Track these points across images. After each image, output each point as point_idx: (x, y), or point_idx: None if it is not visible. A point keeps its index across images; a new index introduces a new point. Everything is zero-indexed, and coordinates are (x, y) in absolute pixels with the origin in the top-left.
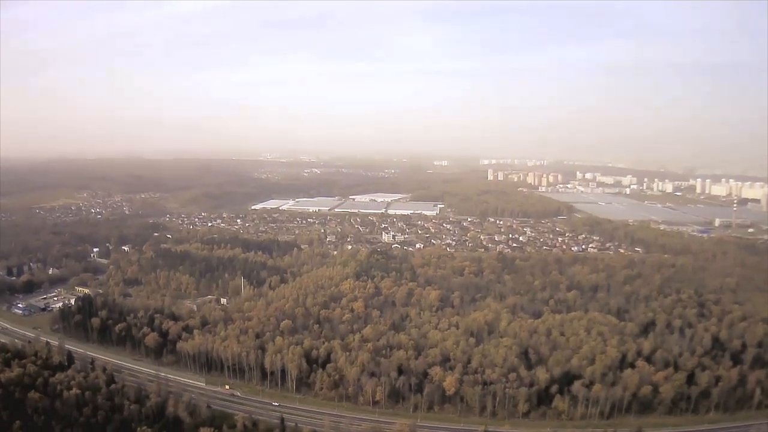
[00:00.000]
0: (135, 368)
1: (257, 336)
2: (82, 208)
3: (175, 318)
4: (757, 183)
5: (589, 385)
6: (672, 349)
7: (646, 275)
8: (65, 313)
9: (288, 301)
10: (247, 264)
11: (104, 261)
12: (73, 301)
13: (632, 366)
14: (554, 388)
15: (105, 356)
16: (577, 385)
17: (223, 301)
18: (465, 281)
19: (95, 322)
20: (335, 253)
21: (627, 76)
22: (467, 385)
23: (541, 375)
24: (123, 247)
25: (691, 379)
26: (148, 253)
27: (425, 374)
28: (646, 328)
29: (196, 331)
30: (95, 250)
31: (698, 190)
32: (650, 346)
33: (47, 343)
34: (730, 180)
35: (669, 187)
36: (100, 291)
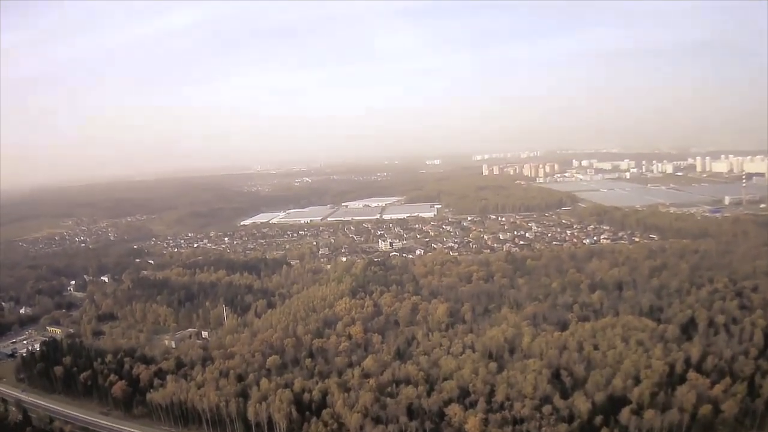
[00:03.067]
0: (101, 424)
1: (240, 378)
2: (66, 238)
3: (147, 361)
4: (758, 156)
5: (639, 411)
6: (723, 353)
7: (672, 265)
8: (27, 360)
9: (276, 331)
10: (231, 288)
11: (81, 294)
12: (38, 346)
13: (683, 379)
14: (598, 419)
15: (69, 410)
16: (625, 413)
17: (205, 334)
18: (474, 289)
19: (58, 370)
20: (329, 267)
21: (615, 62)
22: (494, 425)
23: (581, 404)
24: (102, 278)
25: (751, 388)
26: (126, 283)
27: (441, 415)
28: (687, 329)
29: (169, 377)
30: (72, 282)
31: (699, 169)
32: (698, 352)
33: (3, 400)
34: (730, 156)
35: (669, 168)
36: (71, 331)
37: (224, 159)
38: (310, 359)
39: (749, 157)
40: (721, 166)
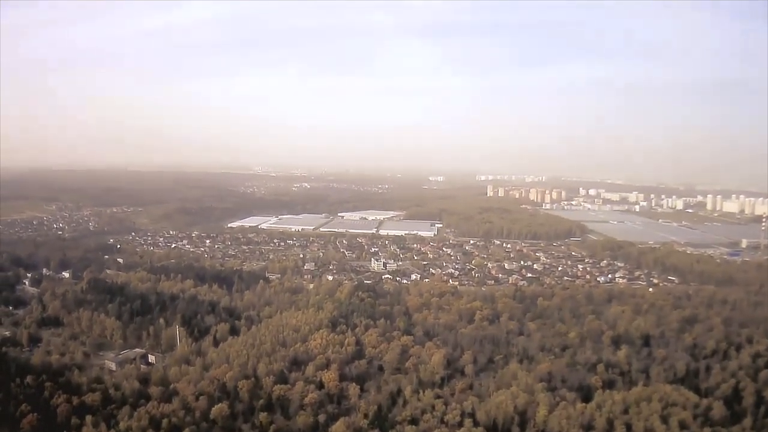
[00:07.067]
0: None
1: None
2: (45, 223)
3: (72, 389)
4: None
5: None
6: None
7: (702, 318)
8: None
9: (232, 368)
10: (193, 303)
11: (34, 290)
12: None
13: None
14: None
15: None
16: None
17: (152, 358)
18: (477, 332)
19: None
20: (311, 286)
21: (626, 94)
22: None
23: None
24: (63, 273)
25: None
26: (81, 284)
27: None
28: (732, 404)
29: (89, 418)
30: (29, 275)
31: (709, 207)
32: None
33: None
34: (741, 196)
35: (679, 204)
36: (7, 334)
37: (225, 157)
38: (266, 413)
39: (761, 199)
40: (732, 206)
